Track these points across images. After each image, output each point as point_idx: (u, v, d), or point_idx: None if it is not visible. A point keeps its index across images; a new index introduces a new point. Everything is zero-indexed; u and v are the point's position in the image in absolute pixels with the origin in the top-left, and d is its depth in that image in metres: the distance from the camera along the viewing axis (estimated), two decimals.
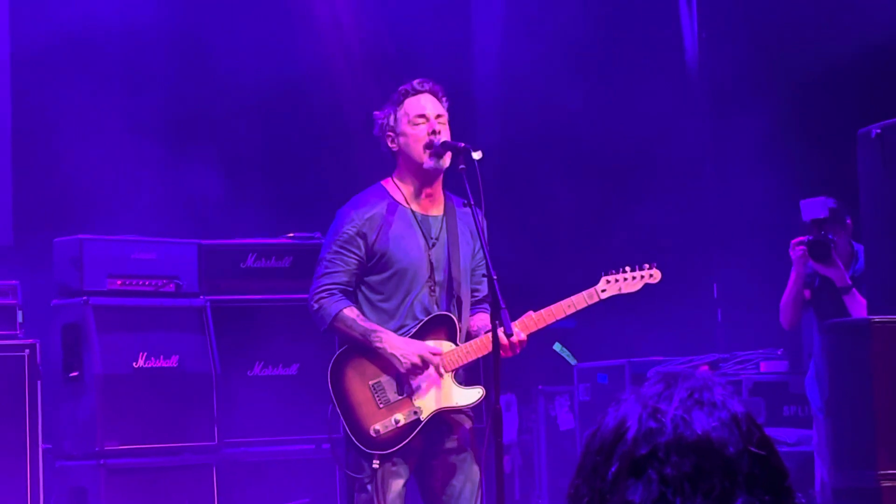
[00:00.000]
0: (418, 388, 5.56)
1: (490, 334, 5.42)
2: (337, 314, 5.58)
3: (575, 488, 1.76)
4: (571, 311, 5.62)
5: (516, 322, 5.46)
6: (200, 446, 7.33)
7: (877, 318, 5.77)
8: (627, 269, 5.75)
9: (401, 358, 5.50)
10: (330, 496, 7.59)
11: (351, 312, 5.58)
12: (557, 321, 5.62)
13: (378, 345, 5.51)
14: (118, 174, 8.80)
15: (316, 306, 5.64)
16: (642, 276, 5.78)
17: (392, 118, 5.69)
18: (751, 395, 8.67)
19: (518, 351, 5.44)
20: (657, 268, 5.80)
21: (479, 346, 5.57)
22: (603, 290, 5.69)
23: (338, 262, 5.65)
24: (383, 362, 5.56)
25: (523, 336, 5.46)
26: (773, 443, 1.76)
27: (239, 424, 7.55)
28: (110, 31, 8.90)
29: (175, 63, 9.25)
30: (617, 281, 5.73)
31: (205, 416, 7.36)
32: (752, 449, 1.71)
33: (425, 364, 5.51)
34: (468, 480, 5.64)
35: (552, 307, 5.60)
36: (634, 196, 10.33)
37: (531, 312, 5.57)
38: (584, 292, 5.66)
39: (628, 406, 1.74)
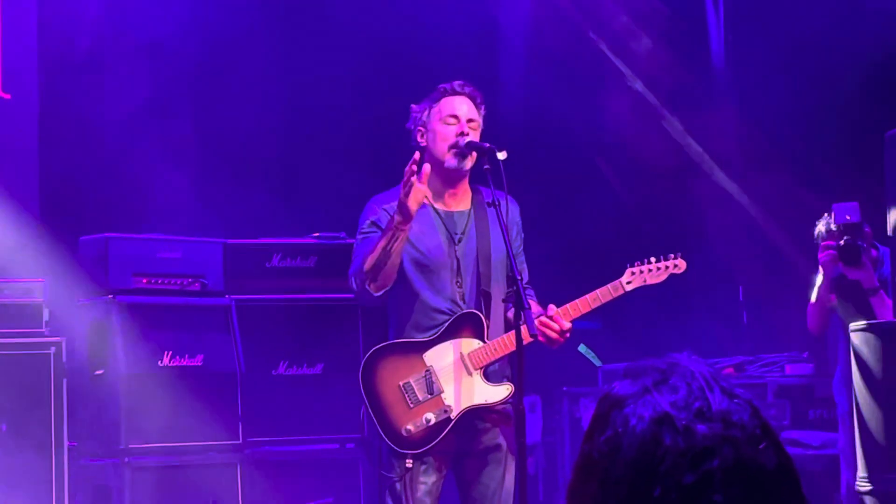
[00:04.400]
0: (448, 386, 5.56)
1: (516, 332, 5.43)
2: (360, 265, 5.53)
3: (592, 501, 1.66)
4: (597, 304, 5.58)
5: (553, 313, 5.46)
6: (225, 445, 7.33)
7: None
8: (653, 259, 5.72)
9: (399, 209, 5.38)
10: (353, 495, 7.59)
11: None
12: (582, 315, 5.59)
13: (392, 226, 5.41)
14: (145, 173, 8.82)
15: (352, 280, 5.61)
16: (667, 267, 5.74)
17: (426, 113, 5.71)
18: (776, 398, 8.64)
19: (562, 340, 5.45)
20: (682, 258, 5.77)
21: (506, 344, 5.56)
22: (628, 283, 5.66)
23: (365, 244, 5.66)
24: (412, 362, 5.57)
25: (566, 325, 5.47)
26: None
27: (263, 423, 7.55)
28: (138, 30, 8.92)
29: (203, 61, 9.26)
30: (642, 272, 5.69)
31: (229, 415, 7.36)
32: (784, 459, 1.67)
33: (411, 192, 5.38)
34: (503, 481, 5.63)
35: (577, 301, 5.57)
36: (660, 197, 10.31)
37: (552, 307, 5.55)
38: (608, 285, 5.62)
39: (646, 409, 1.65)
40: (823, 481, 7.97)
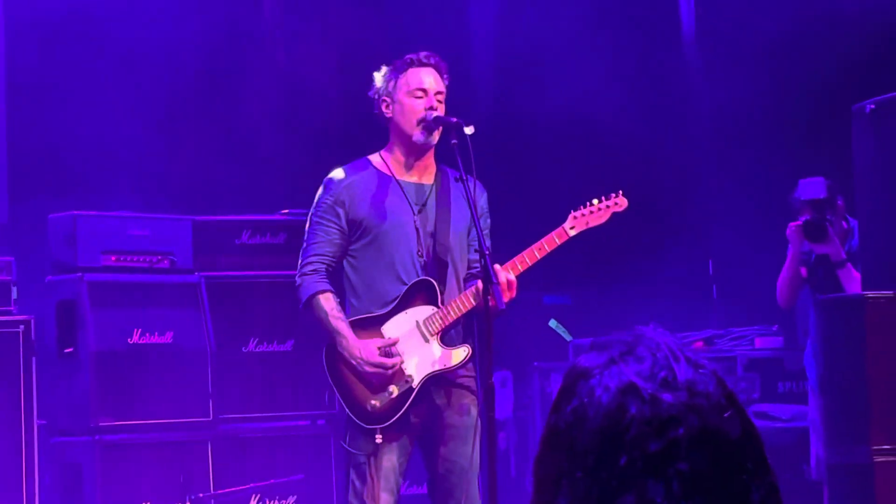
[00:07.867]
0: (407, 356, 5.57)
1: (468, 292, 5.46)
2: (312, 296, 5.61)
3: (563, 475, 1.63)
4: (543, 253, 5.60)
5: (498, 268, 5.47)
6: (195, 422, 7.32)
7: (871, 294, 5.77)
8: (594, 201, 5.75)
9: (356, 366, 5.52)
10: (325, 472, 7.59)
11: (326, 303, 5.59)
12: (530, 267, 5.59)
13: (339, 349, 5.54)
14: (114, 150, 8.78)
15: (298, 281, 5.69)
16: (608, 206, 5.78)
17: (392, 84, 5.68)
18: (746, 371, 8.67)
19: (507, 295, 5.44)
20: (623, 196, 5.80)
21: (459, 306, 5.57)
22: (571, 228, 5.69)
23: (319, 232, 5.67)
24: (372, 337, 5.59)
25: (511, 277, 5.47)
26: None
27: (234, 400, 7.54)
28: (107, 3, 8.86)
29: (172, 35, 9.20)
30: (584, 216, 5.72)
31: (200, 392, 7.35)
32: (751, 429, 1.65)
33: (382, 371, 5.51)
34: (471, 456, 5.63)
35: (524, 253, 5.59)
36: (630, 172, 10.31)
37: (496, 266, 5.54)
38: (552, 232, 5.65)
39: (612, 379, 1.64)
40: (793, 454, 8.01)
